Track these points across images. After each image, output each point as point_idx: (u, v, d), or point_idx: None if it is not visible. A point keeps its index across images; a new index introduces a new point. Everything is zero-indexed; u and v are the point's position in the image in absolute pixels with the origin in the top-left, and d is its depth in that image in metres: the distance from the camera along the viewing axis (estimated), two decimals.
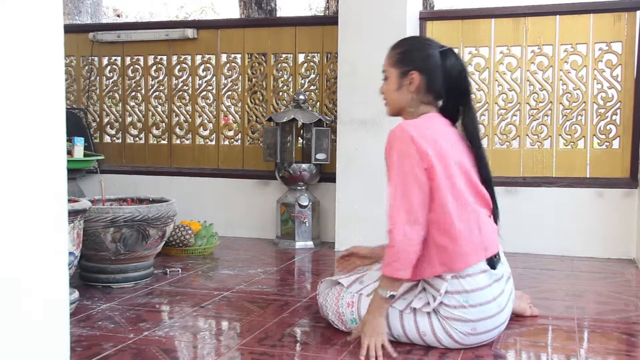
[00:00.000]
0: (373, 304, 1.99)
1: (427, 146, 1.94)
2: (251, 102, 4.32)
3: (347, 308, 2.14)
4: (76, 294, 2.42)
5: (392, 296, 1.96)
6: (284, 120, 3.87)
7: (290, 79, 4.26)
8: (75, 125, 4.29)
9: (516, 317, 2.36)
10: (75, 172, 4.14)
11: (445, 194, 1.94)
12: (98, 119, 4.62)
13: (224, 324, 2.34)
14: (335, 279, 2.29)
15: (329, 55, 4.14)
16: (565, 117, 3.74)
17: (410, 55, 2.08)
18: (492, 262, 2.01)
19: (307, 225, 3.88)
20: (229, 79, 4.35)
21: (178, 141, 4.49)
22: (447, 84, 2.06)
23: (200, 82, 4.40)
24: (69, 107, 4.55)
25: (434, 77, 2.05)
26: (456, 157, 2.01)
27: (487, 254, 1.99)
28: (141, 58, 4.51)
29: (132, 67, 4.53)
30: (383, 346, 1.96)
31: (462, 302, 1.96)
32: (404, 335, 2.05)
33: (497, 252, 2.04)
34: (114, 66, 4.58)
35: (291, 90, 4.23)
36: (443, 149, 1.97)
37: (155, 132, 4.53)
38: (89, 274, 2.83)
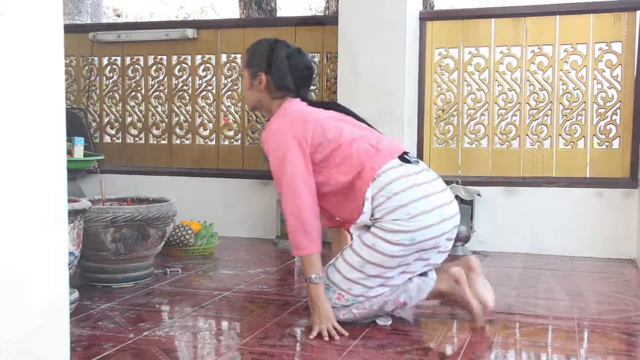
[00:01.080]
0: (310, 293, 2.14)
1: (294, 125, 2.19)
2: None
3: None
4: (76, 294, 2.41)
5: (319, 277, 2.14)
6: None
7: None
8: (75, 125, 4.28)
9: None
10: (75, 172, 4.14)
11: (330, 148, 2.20)
12: (98, 119, 4.62)
13: (224, 324, 2.34)
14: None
15: (329, 55, 4.14)
16: (565, 117, 3.74)
17: (258, 57, 2.34)
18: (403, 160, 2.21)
19: None
20: (229, 79, 4.34)
21: (178, 141, 4.49)
22: (296, 79, 2.32)
23: (200, 82, 4.40)
24: (69, 107, 4.55)
25: (282, 76, 2.30)
26: (325, 115, 2.27)
27: (393, 155, 2.20)
28: (141, 58, 4.51)
29: (132, 67, 4.53)
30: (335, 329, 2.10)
31: (386, 194, 2.12)
32: (362, 259, 2.14)
33: (407, 154, 2.25)
34: (114, 66, 4.58)
35: None
36: (309, 115, 2.23)
37: (155, 132, 4.53)
38: (89, 274, 2.84)
